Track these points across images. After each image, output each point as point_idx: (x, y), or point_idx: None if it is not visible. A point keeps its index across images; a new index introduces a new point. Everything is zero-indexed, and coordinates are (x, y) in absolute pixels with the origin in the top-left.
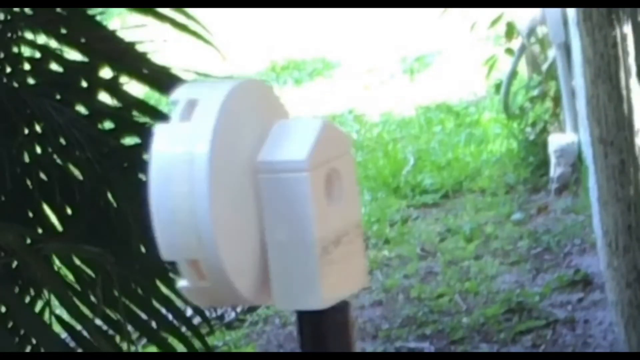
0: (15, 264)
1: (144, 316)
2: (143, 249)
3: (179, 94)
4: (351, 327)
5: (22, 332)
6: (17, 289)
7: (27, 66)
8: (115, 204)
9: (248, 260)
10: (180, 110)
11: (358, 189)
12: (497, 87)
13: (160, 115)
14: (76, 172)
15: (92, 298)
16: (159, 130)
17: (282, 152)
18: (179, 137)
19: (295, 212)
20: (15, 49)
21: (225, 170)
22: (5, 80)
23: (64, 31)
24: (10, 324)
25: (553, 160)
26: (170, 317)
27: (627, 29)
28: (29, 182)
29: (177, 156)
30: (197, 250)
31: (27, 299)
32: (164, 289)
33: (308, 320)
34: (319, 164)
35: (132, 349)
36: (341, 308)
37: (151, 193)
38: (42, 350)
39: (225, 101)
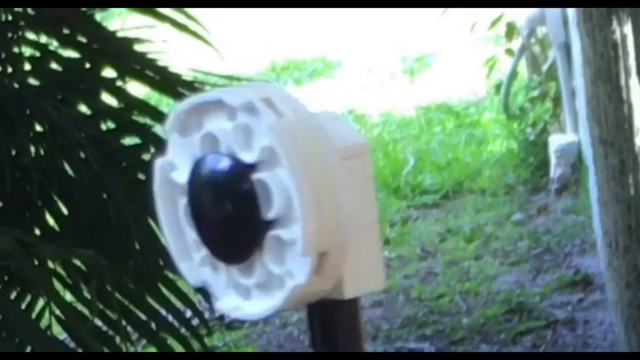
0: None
1: (143, 317)
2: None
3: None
4: (361, 320)
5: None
6: (14, 293)
7: (28, 66)
8: (114, 204)
9: None
10: None
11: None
12: (497, 87)
13: (161, 116)
14: (75, 172)
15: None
16: None
17: None
18: None
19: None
20: (16, 49)
21: None
22: (5, 80)
23: (65, 32)
24: (8, 328)
25: (553, 160)
26: (169, 318)
27: (627, 29)
28: (28, 184)
29: None
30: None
31: (26, 301)
32: (164, 290)
33: (318, 313)
34: None
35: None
36: (351, 300)
37: None
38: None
39: None
